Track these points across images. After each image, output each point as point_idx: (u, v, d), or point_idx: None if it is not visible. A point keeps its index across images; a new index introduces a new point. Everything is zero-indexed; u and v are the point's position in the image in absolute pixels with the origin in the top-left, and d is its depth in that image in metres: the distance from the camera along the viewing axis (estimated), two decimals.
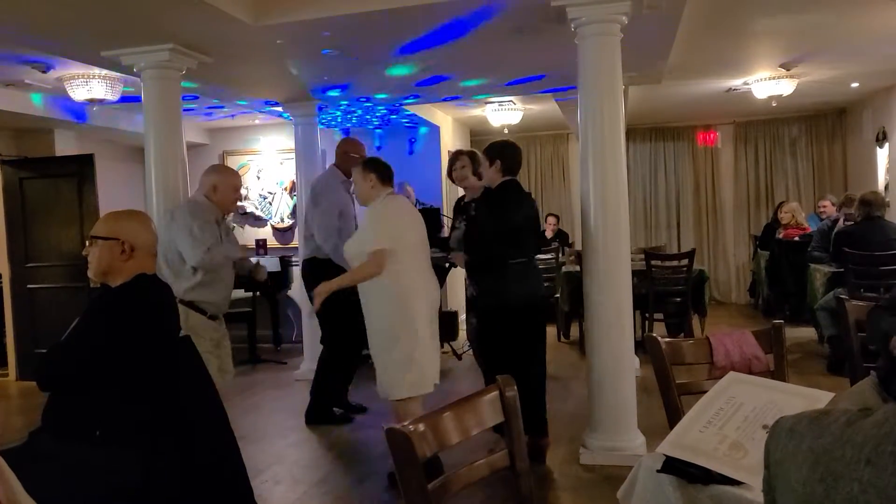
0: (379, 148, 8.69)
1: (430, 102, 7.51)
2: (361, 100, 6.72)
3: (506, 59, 5.31)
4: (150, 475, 2.29)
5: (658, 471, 1.62)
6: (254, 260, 4.67)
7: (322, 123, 7.46)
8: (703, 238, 10.45)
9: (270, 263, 7.29)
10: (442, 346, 7.47)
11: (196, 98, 6.54)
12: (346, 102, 6.84)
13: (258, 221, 8.98)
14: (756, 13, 5.09)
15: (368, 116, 7.88)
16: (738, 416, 1.67)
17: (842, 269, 5.89)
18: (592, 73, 4.01)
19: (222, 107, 7.39)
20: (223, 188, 3.84)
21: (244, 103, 6.95)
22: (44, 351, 2.50)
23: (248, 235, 8.93)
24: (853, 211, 6.27)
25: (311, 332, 6.47)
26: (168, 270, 3.73)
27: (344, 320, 4.64)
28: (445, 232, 6.55)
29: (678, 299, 6.88)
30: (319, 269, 4.76)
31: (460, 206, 4.80)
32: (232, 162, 9.10)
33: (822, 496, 0.82)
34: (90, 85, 5.80)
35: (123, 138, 8.15)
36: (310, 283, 4.82)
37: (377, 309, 3.75)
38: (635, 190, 10.11)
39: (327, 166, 5.83)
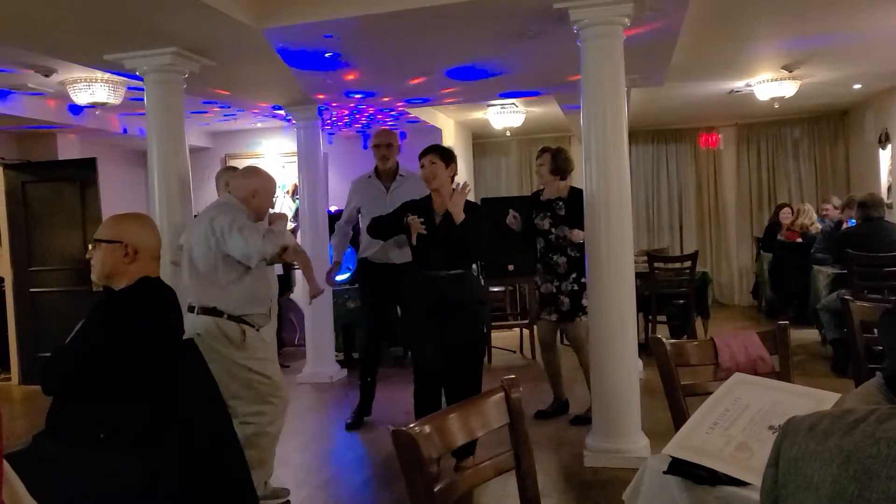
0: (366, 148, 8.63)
1: (430, 105, 7.51)
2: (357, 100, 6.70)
3: (507, 62, 5.31)
4: (154, 478, 2.29)
5: (664, 472, 1.61)
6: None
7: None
8: (705, 240, 10.44)
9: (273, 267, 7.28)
10: None
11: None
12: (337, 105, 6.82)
13: None
14: (758, 15, 5.08)
15: (359, 116, 7.82)
16: (745, 417, 1.66)
17: (845, 271, 5.88)
18: (595, 76, 4.00)
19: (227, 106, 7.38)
20: (264, 194, 3.52)
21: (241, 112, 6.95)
22: (47, 355, 2.49)
23: None
24: (854, 213, 6.27)
25: (313, 336, 6.47)
26: (197, 280, 3.40)
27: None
28: None
29: (681, 301, 6.88)
30: (367, 269, 5.05)
31: (541, 202, 4.98)
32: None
33: (855, 494, 0.81)
34: (93, 89, 5.81)
35: (126, 141, 8.17)
36: (361, 282, 5.26)
37: None
38: (638, 192, 10.11)
39: (328, 168, 5.85)
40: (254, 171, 3.65)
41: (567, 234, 4.75)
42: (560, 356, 5.12)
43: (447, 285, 3.78)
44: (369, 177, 5.04)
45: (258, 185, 3.50)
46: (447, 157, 3.92)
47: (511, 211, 4.97)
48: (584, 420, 4.71)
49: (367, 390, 5.07)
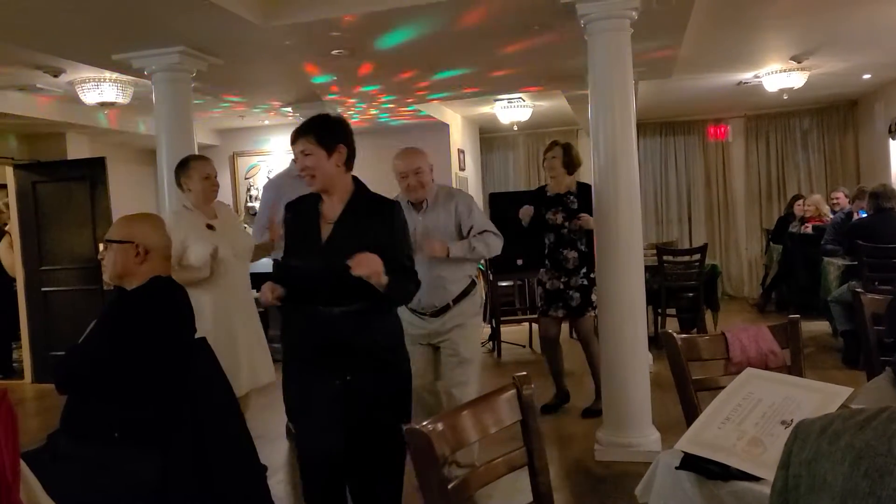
0: None
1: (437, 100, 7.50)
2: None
3: (513, 56, 5.30)
4: (167, 475, 2.31)
5: (677, 468, 1.62)
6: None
7: None
8: (714, 232, 10.40)
9: None
10: None
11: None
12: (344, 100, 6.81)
13: None
14: (767, 5, 5.05)
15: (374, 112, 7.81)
16: (757, 412, 1.66)
17: (856, 262, 5.85)
18: (603, 69, 3.99)
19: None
20: None
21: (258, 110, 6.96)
22: (59, 353, 2.51)
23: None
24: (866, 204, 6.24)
25: None
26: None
27: None
28: None
29: (690, 294, 6.86)
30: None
31: (549, 197, 4.95)
32: (242, 163, 9.16)
33: (867, 492, 0.82)
34: (101, 88, 5.84)
35: (135, 140, 8.20)
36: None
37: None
38: (646, 185, 10.05)
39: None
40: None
41: (579, 222, 4.75)
42: (562, 351, 5.18)
43: (344, 326, 2.52)
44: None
45: None
46: (328, 137, 2.56)
47: (525, 207, 4.97)
48: (594, 412, 4.73)
49: None
